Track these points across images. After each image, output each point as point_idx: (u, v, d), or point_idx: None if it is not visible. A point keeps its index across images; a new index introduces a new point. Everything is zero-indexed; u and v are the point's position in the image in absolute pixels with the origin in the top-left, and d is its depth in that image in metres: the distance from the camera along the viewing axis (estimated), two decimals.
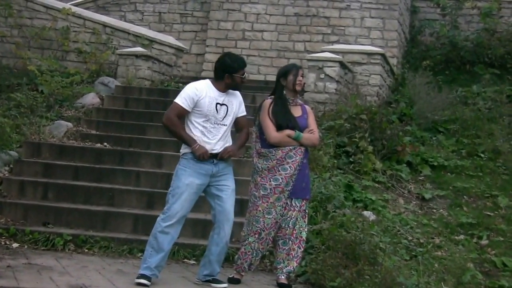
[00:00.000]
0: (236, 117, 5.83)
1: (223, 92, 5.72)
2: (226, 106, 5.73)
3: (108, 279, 5.70)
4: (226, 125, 5.74)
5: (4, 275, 5.52)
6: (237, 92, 5.86)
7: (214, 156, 5.66)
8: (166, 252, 5.64)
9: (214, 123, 5.67)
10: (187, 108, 5.64)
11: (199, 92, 5.64)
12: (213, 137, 5.66)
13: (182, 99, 5.65)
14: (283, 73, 6.07)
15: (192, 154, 5.62)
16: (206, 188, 5.71)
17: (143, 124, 9.62)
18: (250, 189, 6.02)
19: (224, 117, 5.71)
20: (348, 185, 8.09)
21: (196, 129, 5.66)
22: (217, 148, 5.67)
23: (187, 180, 5.59)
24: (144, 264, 5.60)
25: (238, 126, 5.91)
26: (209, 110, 5.64)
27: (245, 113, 5.94)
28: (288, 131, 5.90)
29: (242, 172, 7.99)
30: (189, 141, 5.62)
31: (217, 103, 5.67)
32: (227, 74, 5.69)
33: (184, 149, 5.71)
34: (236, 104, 5.82)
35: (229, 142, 5.79)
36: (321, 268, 5.99)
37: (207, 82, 5.79)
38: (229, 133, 5.82)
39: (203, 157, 5.59)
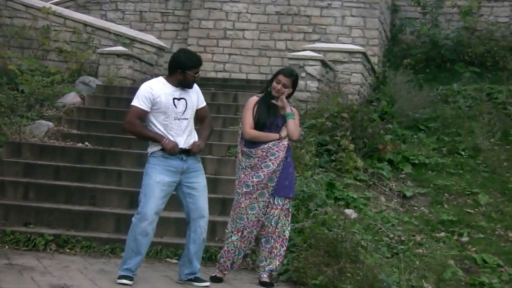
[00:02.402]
0: (197, 109, 5.73)
1: (177, 87, 5.62)
2: (185, 99, 5.62)
3: (90, 278, 5.68)
4: (187, 119, 5.62)
5: None
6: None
7: (183, 152, 5.57)
8: (144, 253, 5.65)
9: (175, 119, 5.56)
10: (145, 109, 5.55)
11: (153, 91, 5.54)
12: (176, 133, 5.57)
13: (139, 101, 5.55)
14: (272, 76, 6.09)
15: (161, 152, 5.54)
16: (177, 187, 5.64)
17: None
18: (235, 186, 6.03)
19: (184, 111, 5.60)
20: (330, 183, 8.12)
21: (157, 128, 5.57)
22: (182, 143, 5.56)
23: (157, 178, 5.51)
24: (124, 266, 5.58)
25: (199, 117, 5.81)
26: (167, 106, 5.54)
27: (204, 104, 5.84)
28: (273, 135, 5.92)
29: (225, 171, 8.01)
30: (157, 138, 5.54)
31: (174, 98, 5.57)
32: (180, 70, 5.57)
33: (151, 148, 5.63)
34: (195, 96, 5.72)
35: (194, 137, 5.70)
36: (303, 266, 6.01)
37: (161, 79, 5.70)
38: (193, 128, 5.71)
39: (174, 150, 5.51)
